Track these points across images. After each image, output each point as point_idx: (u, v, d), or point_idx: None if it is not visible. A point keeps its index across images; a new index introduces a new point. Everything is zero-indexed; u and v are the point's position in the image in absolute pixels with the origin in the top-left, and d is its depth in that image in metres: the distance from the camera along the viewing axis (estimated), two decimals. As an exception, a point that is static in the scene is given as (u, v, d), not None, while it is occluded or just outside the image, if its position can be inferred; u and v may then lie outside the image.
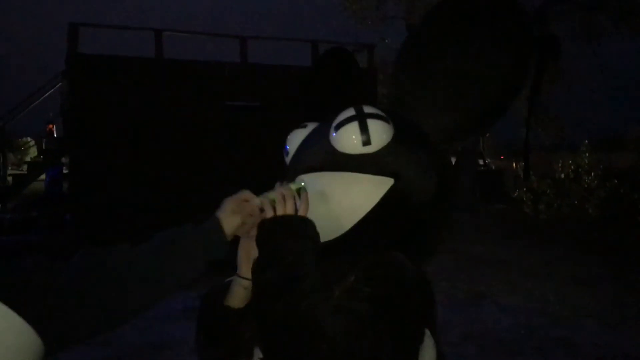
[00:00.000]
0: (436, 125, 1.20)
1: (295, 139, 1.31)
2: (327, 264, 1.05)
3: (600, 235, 10.38)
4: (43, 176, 11.57)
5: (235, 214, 1.10)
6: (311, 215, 1.10)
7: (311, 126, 1.32)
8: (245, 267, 1.15)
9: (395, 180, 1.11)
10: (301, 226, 1.06)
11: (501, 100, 1.18)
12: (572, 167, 12.97)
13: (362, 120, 1.11)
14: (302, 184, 1.13)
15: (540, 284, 6.98)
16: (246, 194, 1.13)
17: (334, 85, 1.55)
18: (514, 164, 20.50)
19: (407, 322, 1.02)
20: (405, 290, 1.03)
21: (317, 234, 1.07)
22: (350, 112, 1.14)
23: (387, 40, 13.81)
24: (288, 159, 1.32)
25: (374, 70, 10.45)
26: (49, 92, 11.03)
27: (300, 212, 1.08)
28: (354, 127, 1.11)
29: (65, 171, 10.75)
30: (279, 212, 1.07)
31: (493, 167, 23.54)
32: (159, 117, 8.37)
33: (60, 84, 10.17)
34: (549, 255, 8.73)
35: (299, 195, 1.12)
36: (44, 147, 13.43)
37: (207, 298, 1.25)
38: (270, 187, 1.14)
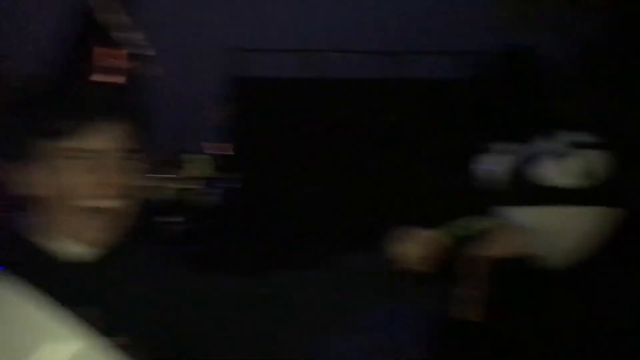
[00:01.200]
0: None
1: (492, 164, 1.22)
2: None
3: None
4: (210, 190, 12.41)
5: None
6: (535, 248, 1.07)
7: (507, 150, 1.21)
8: None
9: (619, 209, 1.07)
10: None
11: None
12: None
13: (578, 153, 1.06)
14: (497, 222, 1.08)
15: None
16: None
17: (521, 96, 1.36)
18: None
19: None
20: None
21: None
22: (561, 143, 1.09)
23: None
24: (483, 184, 1.23)
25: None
26: (223, 115, 11.90)
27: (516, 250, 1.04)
28: (569, 161, 1.06)
29: (236, 185, 11.43)
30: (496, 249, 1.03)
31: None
32: (323, 135, 8.83)
33: (232, 107, 10.97)
34: None
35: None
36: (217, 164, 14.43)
37: None
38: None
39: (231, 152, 12.84)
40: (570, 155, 1.06)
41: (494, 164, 1.22)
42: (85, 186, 0.77)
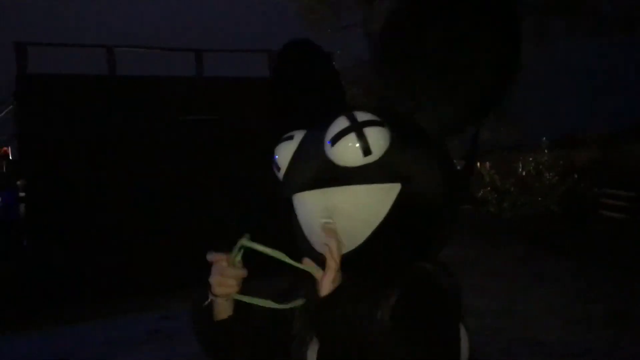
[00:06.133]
0: (432, 118, 1.14)
1: (284, 153, 1.23)
2: (351, 276, 1.06)
3: (562, 232, 10.56)
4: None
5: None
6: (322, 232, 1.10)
7: (298, 136, 1.23)
8: None
9: (402, 184, 1.09)
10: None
11: (495, 84, 1.12)
12: (532, 164, 13.18)
13: (359, 130, 1.06)
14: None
15: (506, 284, 7.03)
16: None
17: (306, 83, 1.45)
18: (478, 164, 20.72)
19: (450, 328, 1.07)
20: (444, 302, 1.07)
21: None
22: (343, 122, 1.08)
23: (338, 52, 13.69)
24: (280, 175, 1.24)
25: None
26: (1, 115, 10.70)
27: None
28: (351, 139, 1.06)
29: (21, 194, 10.34)
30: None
31: (458, 167, 23.76)
32: (116, 136, 8.19)
33: (11, 106, 9.88)
34: (514, 254, 8.83)
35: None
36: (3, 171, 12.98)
37: (196, 316, 1.22)
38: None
39: (12, 157, 11.60)
40: (356, 131, 1.06)
41: (278, 156, 1.24)
42: None
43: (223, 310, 1.17)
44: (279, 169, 1.24)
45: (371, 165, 1.07)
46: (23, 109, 8.36)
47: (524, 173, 13.25)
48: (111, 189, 8.05)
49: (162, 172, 8.22)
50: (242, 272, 1.13)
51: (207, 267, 1.17)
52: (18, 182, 10.96)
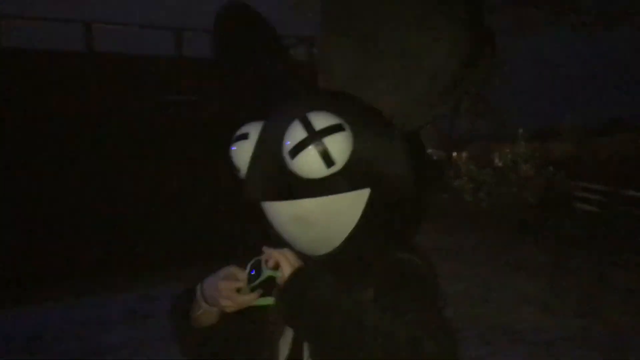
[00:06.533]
0: (393, 105, 1.07)
1: (240, 153, 1.13)
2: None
3: (538, 223, 10.72)
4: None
5: None
6: (296, 239, 1.09)
7: (253, 132, 1.12)
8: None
9: (371, 189, 1.05)
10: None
11: (452, 70, 1.05)
12: (509, 155, 13.31)
13: (317, 141, 0.98)
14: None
15: (483, 271, 7.12)
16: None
17: (248, 59, 1.32)
18: (454, 154, 20.89)
19: (435, 306, 1.04)
20: (423, 287, 1.06)
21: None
22: (300, 131, 0.99)
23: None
24: (240, 175, 1.15)
25: (312, 65, 10.32)
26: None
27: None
28: (311, 151, 0.98)
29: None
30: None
31: (434, 157, 23.90)
32: (93, 115, 8.00)
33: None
34: (491, 243, 8.94)
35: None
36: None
37: (178, 323, 1.18)
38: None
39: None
40: (315, 143, 0.99)
41: (235, 157, 1.15)
42: None
43: (210, 317, 1.13)
44: (237, 169, 1.16)
45: (336, 175, 1.01)
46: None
47: (500, 164, 13.38)
48: (87, 167, 7.89)
49: (140, 150, 8.09)
50: (256, 296, 1.06)
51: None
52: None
